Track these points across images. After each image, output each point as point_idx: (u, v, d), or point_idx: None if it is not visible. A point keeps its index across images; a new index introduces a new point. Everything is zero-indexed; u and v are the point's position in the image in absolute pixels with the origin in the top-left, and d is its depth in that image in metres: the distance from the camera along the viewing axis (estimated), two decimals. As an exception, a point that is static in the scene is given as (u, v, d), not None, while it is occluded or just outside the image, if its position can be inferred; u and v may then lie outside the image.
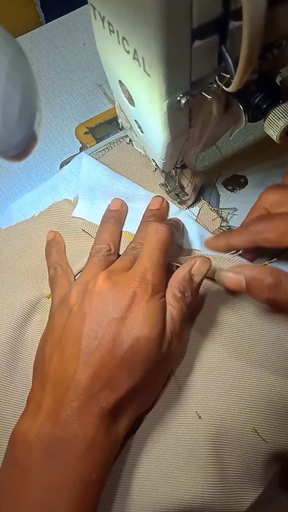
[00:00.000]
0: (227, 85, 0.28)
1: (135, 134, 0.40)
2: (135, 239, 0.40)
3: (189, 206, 0.45)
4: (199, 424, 0.34)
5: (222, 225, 0.45)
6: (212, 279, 0.38)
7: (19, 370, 0.37)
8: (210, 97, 0.30)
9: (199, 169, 0.47)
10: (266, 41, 0.29)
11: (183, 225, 0.42)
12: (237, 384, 0.35)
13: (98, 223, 0.43)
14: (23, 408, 0.32)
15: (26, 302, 0.40)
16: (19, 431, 0.30)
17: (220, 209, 0.46)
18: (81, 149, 0.51)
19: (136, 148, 0.44)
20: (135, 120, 0.37)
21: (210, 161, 0.48)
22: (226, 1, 0.25)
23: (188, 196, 0.45)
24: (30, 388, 0.33)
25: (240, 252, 0.40)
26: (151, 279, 0.32)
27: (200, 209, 0.45)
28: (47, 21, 0.67)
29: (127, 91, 0.34)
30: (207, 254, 0.39)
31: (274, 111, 0.31)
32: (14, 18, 0.65)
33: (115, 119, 0.50)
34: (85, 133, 0.51)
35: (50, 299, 0.41)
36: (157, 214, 0.42)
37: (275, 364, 0.36)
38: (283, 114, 0.31)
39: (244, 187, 0.47)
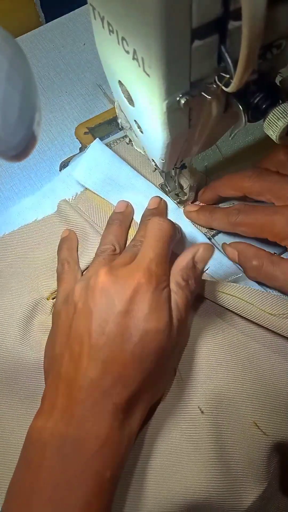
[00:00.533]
0: (227, 85, 0.28)
1: (135, 134, 0.40)
2: (136, 237, 0.40)
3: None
4: (201, 419, 0.34)
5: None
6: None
7: (24, 372, 0.37)
8: (210, 97, 0.30)
9: (199, 169, 0.47)
10: (265, 41, 0.29)
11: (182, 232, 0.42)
12: (237, 377, 0.35)
13: (95, 190, 0.45)
14: (30, 411, 0.32)
15: (26, 305, 0.40)
16: (34, 429, 0.31)
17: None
18: (80, 149, 0.51)
19: (135, 148, 0.44)
20: (135, 120, 0.37)
21: (210, 161, 0.48)
22: (226, 1, 0.25)
23: (187, 196, 0.45)
24: (35, 391, 0.33)
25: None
26: (155, 270, 0.32)
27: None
28: (47, 21, 0.67)
29: (127, 91, 0.34)
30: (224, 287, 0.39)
31: (273, 111, 0.31)
32: (14, 18, 0.65)
33: (115, 119, 0.50)
34: (85, 133, 0.51)
35: (50, 300, 0.41)
36: (156, 213, 0.42)
37: (274, 353, 0.36)
38: (283, 114, 0.31)
39: (244, 187, 0.47)
